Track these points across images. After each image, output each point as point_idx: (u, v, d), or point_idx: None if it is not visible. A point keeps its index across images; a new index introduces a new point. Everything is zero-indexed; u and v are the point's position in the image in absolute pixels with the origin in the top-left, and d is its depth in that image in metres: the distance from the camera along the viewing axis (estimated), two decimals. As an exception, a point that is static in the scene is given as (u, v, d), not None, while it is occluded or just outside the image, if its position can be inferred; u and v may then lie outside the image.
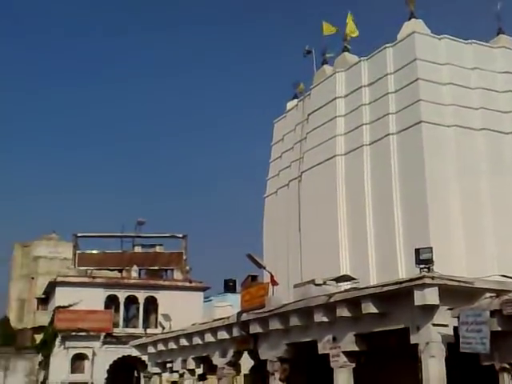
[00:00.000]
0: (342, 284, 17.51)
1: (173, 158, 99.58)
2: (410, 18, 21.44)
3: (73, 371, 35.97)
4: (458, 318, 12.72)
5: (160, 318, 34.83)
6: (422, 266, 13.48)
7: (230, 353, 19.67)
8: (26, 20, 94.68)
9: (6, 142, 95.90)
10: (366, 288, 14.40)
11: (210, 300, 43.74)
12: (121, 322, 38.64)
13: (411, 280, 12.98)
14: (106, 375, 36.33)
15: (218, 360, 20.33)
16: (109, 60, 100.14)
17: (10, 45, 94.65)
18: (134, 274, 40.90)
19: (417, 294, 12.77)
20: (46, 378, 36.68)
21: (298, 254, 22.80)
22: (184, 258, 42.16)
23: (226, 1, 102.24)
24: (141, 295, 39.20)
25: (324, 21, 24.87)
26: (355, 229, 20.61)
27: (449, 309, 12.97)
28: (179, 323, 25.93)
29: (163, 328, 30.48)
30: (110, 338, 36.90)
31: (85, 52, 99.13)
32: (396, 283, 13.42)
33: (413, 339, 13.31)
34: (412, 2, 21.48)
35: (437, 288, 12.65)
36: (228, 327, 19.16)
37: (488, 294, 13.16)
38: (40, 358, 38.04)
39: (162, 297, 39.00)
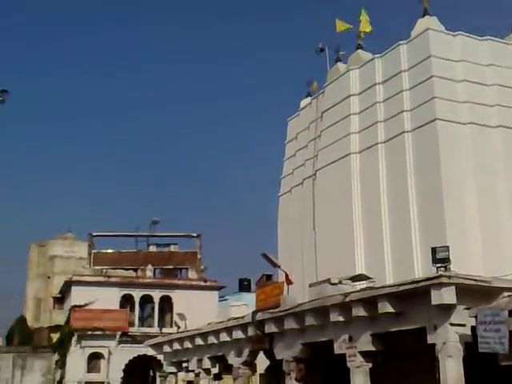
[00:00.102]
0: (357, 283, 17.43)
1: (188, 157, 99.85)
2: (424, 15, 21.31)
3: (89, 370, 36.16)
4: (476, 317, 12.62)
5: (175, 318, 34.91)
6: (438, 265, 13.37)
7: (246, 352, 19.64)
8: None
9: (34, 143, 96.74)
10: (383, 287, 14.31)
11: (225, 299, 43.83)
12: (136, 322, 38.76)
13: (428, 279, 12.87)
14: (121, 374, 36.49)
15: (233, 359, 20.31)
16: (128, 48, 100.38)
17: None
18: (149, 273, 41.03)
19: (434, 293, 12.66)
20: (62, 377, 36.89)
21: (312, 253, 22.73)
22: (199, 257, 42.21)
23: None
24: (156, 294, 39.31)
25: (337, 18, 24.82)
26: (370, 227, 20.51)
27: (466, 308, 12.86)
28: (194, 322, 25.97)
29: (178, 327, 30.52)
30: (126, 338, 37.04)
31: (102, 43, 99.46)
32: (413, 282, 13.32)
33: (430, 339, 13.21)
34: (426, -2, 21.34)
35: (454, 287, 12.54)
36: (243, 326, 19.12)
37: (506, 293, 13.04)
38: (56, 357, 38.26)
39: (176, 296, 39.09)
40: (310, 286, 17.88)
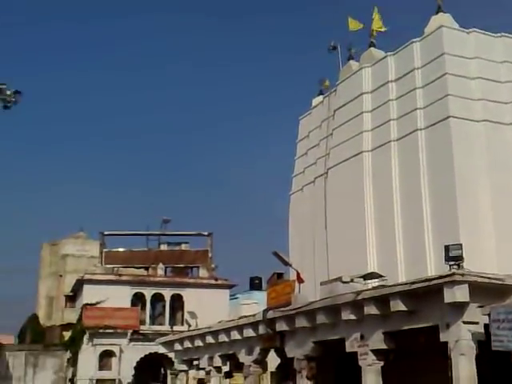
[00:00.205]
0: (369, 281, 17.36)
1: (199, 157, 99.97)
2: (437, 12, 21.20)
3: (100, 368, 36.26)
4: (489, 315, 12.54)
5: (186, 316, 35.01)
6: (451, 262, 13.32)
7: (257, 350, 19.61)
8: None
9: (45, 145, 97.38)
10: (395, 285, 14.25)
11: (236, 297, 43.81)
12: (147, 320, 38.82)
13: (441, 277, 12.80)
14: (133, 372, 36.54)
15: (244, 358, 20.29)
16: (130, 48, 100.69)
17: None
18: (160, 271, 41.06)
19: (446, 291, 12.59)
20: (74, 374, 37.02)
21: (324, 251, 22.67)
22: (210, 255, 42.21)
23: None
24: (167, 293, 39.35)
25: (349, 16, 24.73)
26: (383, 225, 20.42)
27: (479, 306, 12.79)
28: (205, 321, 26.00)
29: (189, 325, 30.61)
30: (137, 335, 37.11)
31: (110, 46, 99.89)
32: (425, 280, 13.24)
33: (442, 337, 13.14)
34: (439, -5, 21.22)
35: (467, 285, 12.46)
36: (254, 325, 19.09)
37: (520, 291, 12.93)
38: (68, 354, 38.38)
39: (187, 294, 39.10)
40: (322, 284, 17.82)
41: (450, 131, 18.84)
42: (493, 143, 19.15)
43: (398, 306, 13.69)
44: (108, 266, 40.77)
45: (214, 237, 42.84)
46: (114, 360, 36.54)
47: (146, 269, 41.43)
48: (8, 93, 40.74)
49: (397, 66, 21.58)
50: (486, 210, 18.42)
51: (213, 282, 40.32)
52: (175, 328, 36.03)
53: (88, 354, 36.17)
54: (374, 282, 17.31)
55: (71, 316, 41.79)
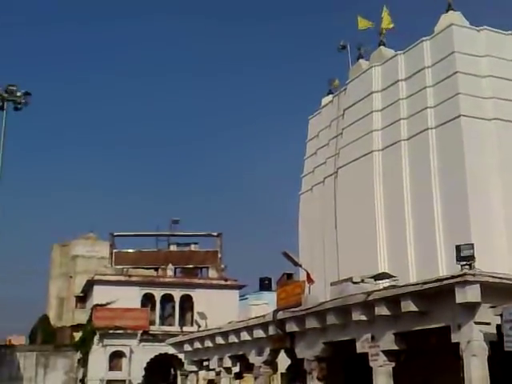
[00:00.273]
0: (380, 282, 17.24)
1: (207, 157, 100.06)
2: (447, 10, 21.11)
3: (111, 369, 36.28)
4: (501, 315, 12.41)
5: (196, 316, 34.96)
6: (463, 262, 13.16)
7: (267, 351, 19.53)
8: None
9: (54, 146, 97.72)
10: (406, 286, 14.12)
11: (246, 298, 43.79)
12: (157, 320, 38.84)
13: (452, 277, 12.66)
14: (143, 373, 36.57)
15: (254, 358, 20.21)
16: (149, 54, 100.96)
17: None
18: (170, 272, 41.10)
19: (458, 291, 12.46)
20: (84, 375, 37.09)
21: (334, 252, 22.57)
22: (219, 256, 42.18)
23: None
24: (176, 293, 39.35)
25: (359, 15, 24.63)
26: (393, 225, 20.31)
27: (491, 306, 12.66)
28: (215, 321, 25.96)
29: (199, 326, 30.56)
30: (147, 336, 37.11)
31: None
32: (437, 281, 13.11)
33: (454, 338, 13.00)
34: (449, -7, 21.08)
35: (478, 285, 12.33)
36: (264, 325, 19.01)
37: (532, 291, 12.77)
38: (79, 355, 38.45)
39: (197, 295, 39.10)
40: (332, 284, 17.71)
41: (460, 130, 18.72)
42: (504, 141, 19.02)
43: (409, 306, 13.56)
44: (118, 266, 40.86)
45: (224, 237, 42.86)
46: (124, 361, 36.57)
47: (156, 269, 41.48)
48: (18, 94, 40.87)
49: (407, 64, 21.46)
50: (497, 208, 18.30)
51: (222, 282, 40.28)
52: (185, 329, 36.00)
53: (98, 355, 36.21)
54: (385, 283, 17.20)
55: (81, 317, 41.91)
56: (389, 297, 14.13)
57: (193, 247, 43.44)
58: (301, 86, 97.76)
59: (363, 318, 14.90)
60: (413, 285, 14.03)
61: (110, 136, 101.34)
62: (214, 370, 24.07)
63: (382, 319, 14.55)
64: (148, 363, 36.70)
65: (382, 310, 14.25)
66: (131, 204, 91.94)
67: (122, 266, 40.82)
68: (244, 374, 23.53)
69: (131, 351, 36.59)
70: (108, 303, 37.22)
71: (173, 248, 43.19)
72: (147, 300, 38.81)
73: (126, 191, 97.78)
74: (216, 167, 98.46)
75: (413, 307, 13.55)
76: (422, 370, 16.78)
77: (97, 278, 38.65)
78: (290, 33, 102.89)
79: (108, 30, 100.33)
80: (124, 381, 36.29)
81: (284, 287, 19.37)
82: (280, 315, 17.97)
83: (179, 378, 34.99)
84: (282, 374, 24.35)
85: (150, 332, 37.36)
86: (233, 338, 21.14)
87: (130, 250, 42.33)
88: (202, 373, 26.71)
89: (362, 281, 16.58)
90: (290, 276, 23.38)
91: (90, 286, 39.76)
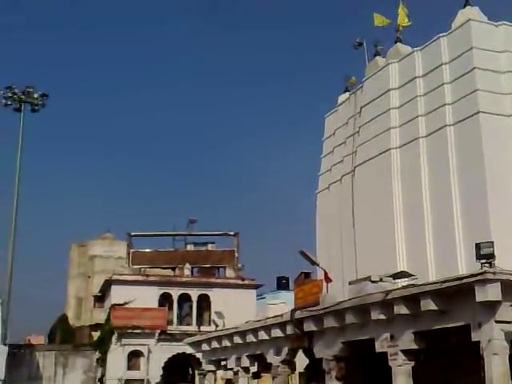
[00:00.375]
0: (399, 280, 17.09)
1: (224, 157, 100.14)
2: (465, 6, 20.91)
3: (129, 368, 36.44)
4: (523, 314, 12.21)
5: (213, 316, 34.94)
6: (483, 261, 13.00)
7: (285, 351, 19.44)
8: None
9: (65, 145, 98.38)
10: (425, 284, 13.97)
11: (263, 297, 43.76)
12: (174, 320, 38.94)
13: (472, 276, 12.52)
14: (161, 372, 36.70)
15: (272, 358, 20.13)
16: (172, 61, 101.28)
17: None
18: (187, 272, 41.16)
19: (478, 290, 12.31)
20: (103, 374, 37.29)
21: (352, 250, 22.43)
22: (236, 255, 42.15)
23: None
24: (194, 293, 39.42)
25: (375, 12, 24.45)
26: (412, 223, 20.14)
27: (512, 305, 12.46)
28: (232, 321, 25.90)
29: (216, 326, 30.52)
30: (165, 336, 37.24)
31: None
32: (456, 279, 12.96)
33: (474, 337, 12.85)
34: (467, -12, 20.86)
35: (499, 283, 12.18)
36: (282, 325, 18.92)
37: (554, 290, 12.57)
38: (97, 354, 38.66)
39: (214, 294, 39.14)
40: (350, 283, 17.59)
41: (479, 127, 18.52)
42: (524, 138, 18.75)
43: (429, 305, 13.42)
44: (135, 266, 41.01)
45: (241, 237, 42.82)
46: (142, 360, 36.72)
47: (173, 269, 41.57)
48: (35, 96, 40.88)
49: (424, 61, 21.26)
50: (517, 206, 18.05)
51: (239, 282, 40.28)
52: (202, 328, 36.04)
53: (117, 354, 36.39)
54: (404, 281, 17.04)
55: (100, 316, 42.17)
56: (408, 295, 13.99)
57: (210, 247, 43.47)
58: (317, 84, 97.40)
59: (382, 317, 14.77)
60: (432, 283, 13.88)
61: (134, 136, 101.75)
62: (231, 369, 24.02)
63: (401, 318, 14.41)
64: (166, 362, 36.83)
65: (401, 309, 14.10)
66: (148, 204, 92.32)
67: (139, 266, 40.98)
68: (262, 374, 23.44)
69: (149, 351, 36.74)
70: (126, 303, 37.38)
71: (190, 248, 43.24)
72: (165, 300, 38.93)
73: (143, 191, 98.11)
74: (232, 168, 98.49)
75: (432, 306, 13.40)
76: (441, 369, 16.62)
77: (114, 277, 38.85)
78: (303, 35, 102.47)
79: (106, 43, 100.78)
80: (142, 380, 36.45)
81: (301, 286, 19.26)
82: (298, 314, 17.88)
83: (197, 378, 35.07)
84: (300, 373, 24.25)
85: (168, 331, 37.48)
86: (250, 338, 21.08)
87: (147, 250, 42.47)
88: (220, 372, 26.68)
89: (381, 280, 16.46)
90: (307, 275, 23.27)
91: (107, 285, 39.97)
